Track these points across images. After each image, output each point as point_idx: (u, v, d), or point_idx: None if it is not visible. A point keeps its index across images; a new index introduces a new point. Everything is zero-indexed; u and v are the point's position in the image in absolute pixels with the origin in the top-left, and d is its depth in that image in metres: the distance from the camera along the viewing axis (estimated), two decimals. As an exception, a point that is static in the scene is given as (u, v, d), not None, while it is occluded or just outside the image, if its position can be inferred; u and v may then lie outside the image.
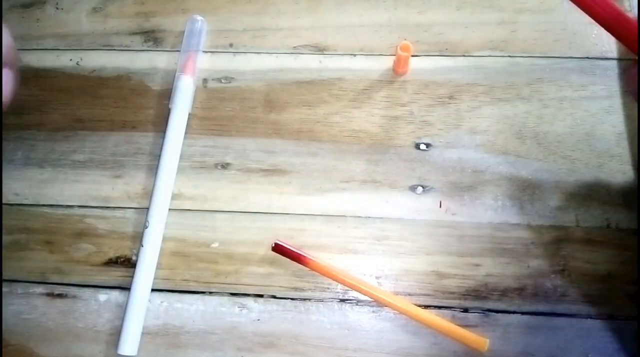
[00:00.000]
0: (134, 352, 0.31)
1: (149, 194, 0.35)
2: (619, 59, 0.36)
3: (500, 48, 0.36)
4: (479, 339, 0.30)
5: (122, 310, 0.33)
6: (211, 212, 0.34)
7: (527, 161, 0.34)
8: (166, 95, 0.36)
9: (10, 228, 0.35)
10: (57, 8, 0.40)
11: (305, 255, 0.32)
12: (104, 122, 0.37)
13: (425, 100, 0.36)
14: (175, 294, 0.33)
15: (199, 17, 0.37)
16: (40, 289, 0.34)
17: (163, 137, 0.35)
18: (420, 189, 0.34)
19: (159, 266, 0.33)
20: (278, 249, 0.32)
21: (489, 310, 0.32)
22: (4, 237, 0.35)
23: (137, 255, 0.33)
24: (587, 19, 0.36)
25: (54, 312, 0.33)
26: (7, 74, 0.26)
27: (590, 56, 0.36)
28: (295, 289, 0.33)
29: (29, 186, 0.36)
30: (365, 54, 0.37)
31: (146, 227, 0.33)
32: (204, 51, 0.38)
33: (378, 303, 0.32)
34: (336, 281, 0.32)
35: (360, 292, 0.32)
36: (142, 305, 0.32)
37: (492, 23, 0.37)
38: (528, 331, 0.31)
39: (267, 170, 0.35)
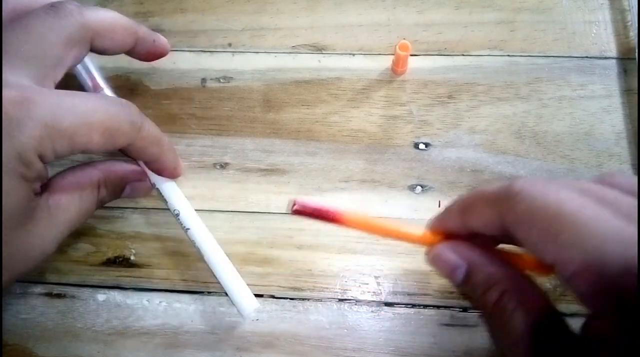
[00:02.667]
0: (256, 304, 0.30)
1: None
2: (618, 59, 0.36)
3: (499, 47, 0.36)
4: None
5: (121, 310, 0.33)
6: (210, 211, 0.34)
7: (526, 161, 0.34)
8: (165, 95, 0.36)
9: (9, 228, 0.35)
10: (55, 8, 0.39)
11: (335, 211, 0.26)
12: (103, 122, 0.36)
13: (424, 99, 0.36)
14: (174, 294, 0.33)
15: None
16: (38, 288, 0.34)
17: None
18: (419, 188, 0.34)
19: (157, 266, 0.33)
20: (300, 211, 0.25)
21: (488, 310, 0.32)
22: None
23: (135, 254, 0.33)
24: (587, 18, 0.37)
25: (52, 312, 0.33)
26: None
27: (589, 55, 0.36)
28: (294, 288, 0.33)
29: (28, 185, 0.36)
30: (364, 54, 0.37)
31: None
32: (202, 51, 0.38)
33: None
34: (381, 234, 0.27)
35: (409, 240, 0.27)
36: (225, 261, 0.30)
37: (490, 22, 0.37)
38: (527, 330, 0.31)
39: (265, 170, 0.35)
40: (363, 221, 0.26)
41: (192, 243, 0.31)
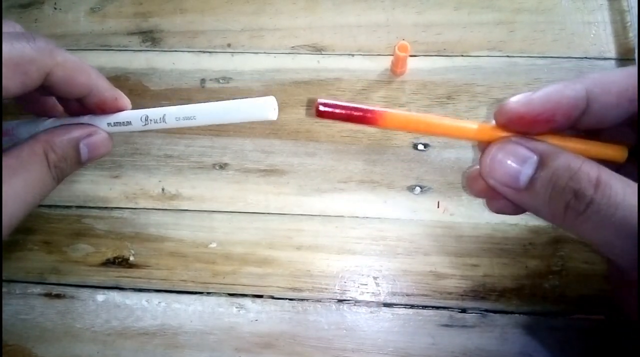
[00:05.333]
0: (271, 99, 0.24)
1: (146, 194, 0.35)
2: (617, 59, 0.36)
3: (499, 48, 0.36)
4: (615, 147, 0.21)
5: (120, 311, 0.33)
6: (209, 212, 0.34)
7: (525, 161, 0.34)
8: (164, 95, 0.36)
9: (8, 228, 0.35)
10: (55, 8, 0.40)
11: (369, 109, 0.21)
12: (102, 123, 0.37)
13: (423, 100, 0.36)
14: (173, 295, 0.33)
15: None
16: (38, 289, 0.34)
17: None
18: (418, 189, 0.34)
19: (156, 267, 0.33)
20: (324, 113, 0.21)
21: (487, 310, 0.32)
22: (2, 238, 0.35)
23: (134, 255, 0.33)
24: (586, 19, 0.37)
25: (51, 312, 0.33)
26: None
27: (588, 56, 0.36)
28: (293, 289, 0.33)
29: (27, 186, 0.36)
30: (363, 54, 0.37)
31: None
32: (202, 51, 0.38)
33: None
34: (428, 130, 0.22)
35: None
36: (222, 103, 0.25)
37: (490, 23, 0.37)
38: (526, 331, 0.31)
39: (264, 170, 0.35)
40: (404, 118, 0.22)
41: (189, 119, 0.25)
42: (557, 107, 0.20)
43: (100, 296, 0.33)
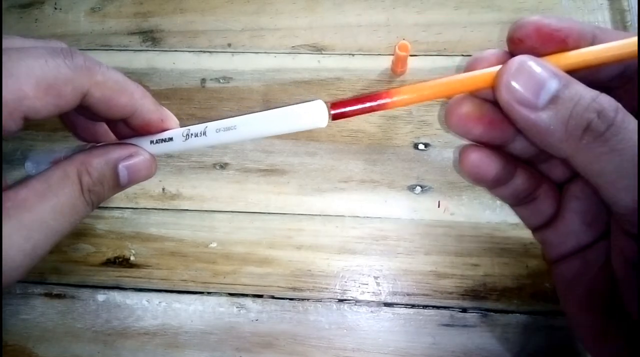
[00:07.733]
0: (322, 105, 0.21)
1: (147, 194, 0.35)
2: (618, 59, 0.36)
3: (499, 48, 0.36)
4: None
5: (121, 311, 0.33)
6: (209, 212, 0.34)
7: (526, 161, 0.34)
8: (165, 95, 0.36)
9: (9, 228, 0.35)
10: (55, 8, 0.40)
11: (380, 94, 0.21)
12: (103, 122, 0.37)
13: (424, 100, 0.36)
14: (174, 294, 0.33)
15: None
16: (38, 289, 0.34)
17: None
18: (418, 188, 0.34)
19: (157, 266, 0.33)
20: (340, 115, 0.21)
21: (488, 310, 0.32)
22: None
23: (135, 254, 0.33)
24: (586, 18, 0.37)
25: (52, 312, 0.33)
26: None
27: (588, 56, 0.36)
28: (294, 289, 0.33)
29: (28, 186, 0.36)
30: (364, 54, 0.37)
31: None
32: (202, 51, 0.38)
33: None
34: (444, 93, 0.21)
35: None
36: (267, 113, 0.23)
37: (490, 23, 0.37)
38: (527, 331, 0.31)
39: (265, 170, 0.35)
40: (416, 89, 0.20)
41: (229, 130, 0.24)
42: (571, 29, 0.20)
43: (101, 296, 0.33)
